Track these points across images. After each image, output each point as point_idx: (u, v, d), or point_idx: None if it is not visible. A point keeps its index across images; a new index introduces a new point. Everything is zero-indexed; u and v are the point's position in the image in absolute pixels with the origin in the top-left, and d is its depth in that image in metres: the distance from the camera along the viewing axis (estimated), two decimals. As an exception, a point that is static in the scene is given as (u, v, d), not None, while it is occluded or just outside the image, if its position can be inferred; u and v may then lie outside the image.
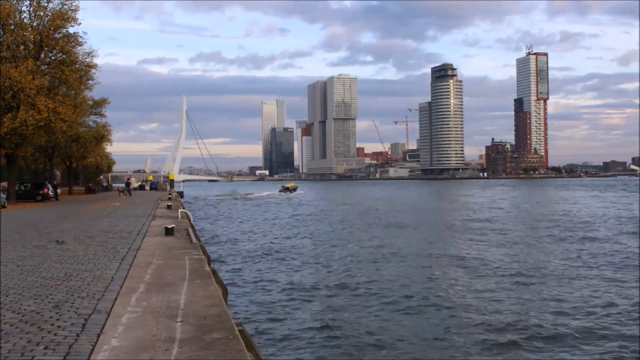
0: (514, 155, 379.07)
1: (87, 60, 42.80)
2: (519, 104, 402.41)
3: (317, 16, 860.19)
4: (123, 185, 77.51)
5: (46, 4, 39.87)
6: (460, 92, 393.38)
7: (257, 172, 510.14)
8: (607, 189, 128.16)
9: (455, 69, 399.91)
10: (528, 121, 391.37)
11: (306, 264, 23.99)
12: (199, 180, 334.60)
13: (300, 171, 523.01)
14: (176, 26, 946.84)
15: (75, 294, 7.96)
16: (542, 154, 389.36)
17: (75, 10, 40.19)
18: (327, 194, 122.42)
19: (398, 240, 32.16)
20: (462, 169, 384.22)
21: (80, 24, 41.20)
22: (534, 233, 35.33)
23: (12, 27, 38.50)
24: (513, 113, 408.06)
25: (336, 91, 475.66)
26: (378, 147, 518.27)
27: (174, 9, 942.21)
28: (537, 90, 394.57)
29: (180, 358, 5.07)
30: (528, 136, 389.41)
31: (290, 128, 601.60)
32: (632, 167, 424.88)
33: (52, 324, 6.27)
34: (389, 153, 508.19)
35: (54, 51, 40.82)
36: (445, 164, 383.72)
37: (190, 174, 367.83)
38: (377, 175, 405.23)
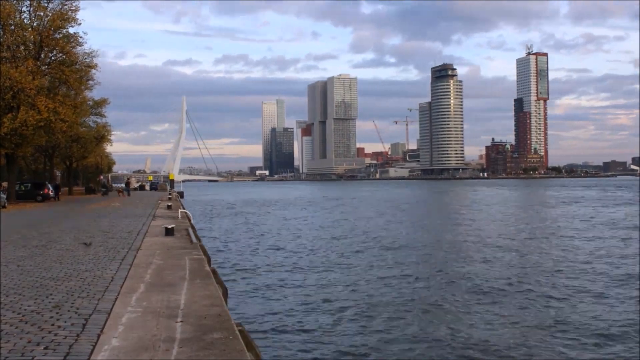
0: (514, 156, 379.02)
1: (87, 60, 42.83)
2: (519, 104, 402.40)
3: (348, 20, 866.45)
4: (123, 185, 77.54)
5: (46, 4, 39.88)
6: (460, 92, 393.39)
7: (257, 172, 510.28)
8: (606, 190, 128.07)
9: (455, 68, 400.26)
10: (528, 121, 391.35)
11: (306, 263, 23.99)
12: (199, 181, 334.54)
13: (300, 171, 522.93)
14: (210, 29, 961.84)
15: (75, 294, 7.96)
16: (542, 154, 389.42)
17: (76, 10, 40.20)
18: (329, 192, 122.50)
19: (398, 233, 32.17)
20: (462, 169, 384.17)
21: (80, 24, 41.08)
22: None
23: (12, 27, 38.48)
24: (513, 113, 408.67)
25: (336, 91, 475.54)
26: (378, 147, 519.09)
27: (209, 13, 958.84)
28: (537, 90, 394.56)
29: (180, 358, 5.07)
30: (528, 136, 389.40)
31: (290, 128, 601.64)
32: (632, 167, 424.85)
33: (52, 324, 6.27)
34: (389, 153, 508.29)
35: (54, 51, 40.81)
36: (445, 164, 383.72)
37: (191, 174, 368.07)
38: (377, 176, 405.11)
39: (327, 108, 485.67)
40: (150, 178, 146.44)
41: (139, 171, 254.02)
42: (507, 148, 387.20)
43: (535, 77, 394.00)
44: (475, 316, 14.84)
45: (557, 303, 16.23)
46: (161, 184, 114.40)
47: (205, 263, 10.96)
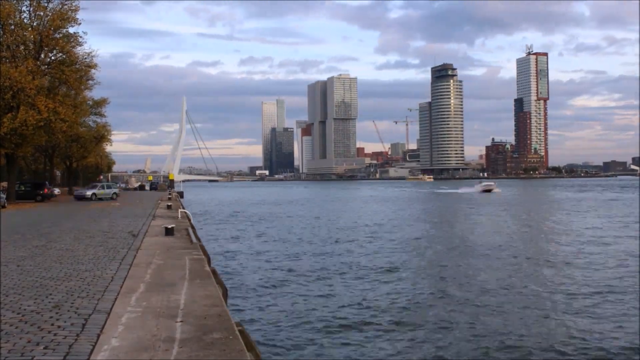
0: (514, 155, 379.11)
1: (87, 60, 42.83)
2: (519, 104, 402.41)
3: (375, 23, 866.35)
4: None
5: (46, 4, 39.89)
6: (460, 92, 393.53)
7: (257, 172, 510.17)
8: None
9: (455, 69, 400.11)
10: (528, 121, 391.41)
11: (306, 263, 23.98)
12: (199, 180, 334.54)
13: (300, 171, 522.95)
14: (243, 32, 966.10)
15: (75, 294, 7.96)
16: (542, 154, 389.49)
17: (75, 10, 40.21)
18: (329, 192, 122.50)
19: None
20: (462, 169, 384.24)
21: (80, 24, 41.02)
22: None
23: (12, 27, 38.49)
24: (513, 113, 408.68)
25: (336, 91, 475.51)
26: (378, 147, 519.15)
27: (243, 18, 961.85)
28: (537, 90, 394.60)
29: (180, 358, 5.06)
30: (528, 136, 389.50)
31: (290, 128, 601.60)
32: (632, 167, 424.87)
33: (52, 324, 6.27)
34: (389, 153, 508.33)
35: (54, 51, 40.82)
36: (445, 164, 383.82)
37: (190, 174, 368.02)
38: (377, 175, 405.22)
39: (327, 108, 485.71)
40: (150, 178, 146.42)
41: (138, 171, 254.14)
42: (507, 148, 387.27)
43: (535, 77, 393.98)
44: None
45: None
46: (161, 184, 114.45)
47: (205, 263, 10.96)
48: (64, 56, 40.51)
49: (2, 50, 37.97)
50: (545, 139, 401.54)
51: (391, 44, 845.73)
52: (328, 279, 20.33)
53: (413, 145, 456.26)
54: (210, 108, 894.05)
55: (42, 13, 39.57)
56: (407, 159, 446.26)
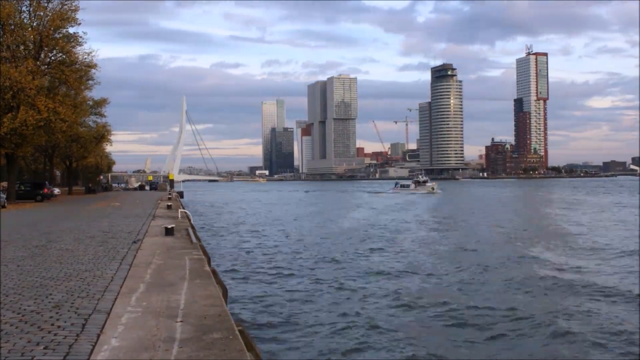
0: (514, 155, 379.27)
1: (87, 60, 42.88)
2: (519, 104, 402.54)
3: (401, 27, 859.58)
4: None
5: (46, 4, 39.94)
6: (460, 92, 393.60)
7: (257, 172, 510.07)
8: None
9: (455, 69, 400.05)
10: (528, 121, 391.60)
11: (306, 263, 23.97)
12: (199, 181, 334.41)
13: (300, 171, 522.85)
14: (274, 33, 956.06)
15: (75, 294, 7.96)
16: (542, 154, 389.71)
17: (75, 10, 40.27)
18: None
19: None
20: (462, 168, 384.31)
21: (80, 24, 41.08)
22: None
23: (12, 27, 38.52)
24: (513, 113, 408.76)
25: (336, 91, 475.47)
26: (378, 147, 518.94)
27: (275, 21, 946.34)
28: (537, 90, 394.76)
29: (180, 358, 5.07)
30: (528, 136, 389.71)
31: (290, 128, 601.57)
32: (632, 167, 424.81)
33: (52, 324, 6.27)
34: (389, 153, 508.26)
35: (54, 51, 40.86)
36: (445, 163, 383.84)
37: (190, 174, 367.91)
38: (377, 175, 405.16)
39: (327, 108, 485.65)
40: (150, 178, 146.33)
41: (138, 171, 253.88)
42: (507, 148, 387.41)
43: (535, 77, 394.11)
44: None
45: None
46: (161, 184, 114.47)
47: (205, 263, 10.97)
48: (64, 56, 40.58)
49: (2, 50, 37.99)
50: (545, 139, 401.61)
51: (414, 47, 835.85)
52: (328, 279, 20.33)
53: (413, 145, 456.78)
54: (225, 108, 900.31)
55: (42, 13, 39.63)
56: (407, 159, 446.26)
